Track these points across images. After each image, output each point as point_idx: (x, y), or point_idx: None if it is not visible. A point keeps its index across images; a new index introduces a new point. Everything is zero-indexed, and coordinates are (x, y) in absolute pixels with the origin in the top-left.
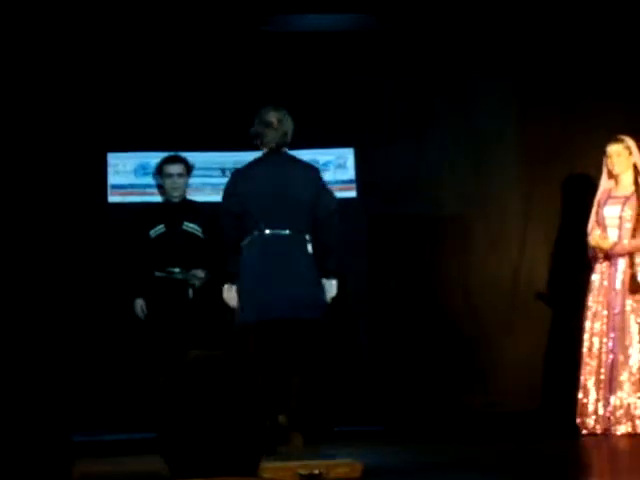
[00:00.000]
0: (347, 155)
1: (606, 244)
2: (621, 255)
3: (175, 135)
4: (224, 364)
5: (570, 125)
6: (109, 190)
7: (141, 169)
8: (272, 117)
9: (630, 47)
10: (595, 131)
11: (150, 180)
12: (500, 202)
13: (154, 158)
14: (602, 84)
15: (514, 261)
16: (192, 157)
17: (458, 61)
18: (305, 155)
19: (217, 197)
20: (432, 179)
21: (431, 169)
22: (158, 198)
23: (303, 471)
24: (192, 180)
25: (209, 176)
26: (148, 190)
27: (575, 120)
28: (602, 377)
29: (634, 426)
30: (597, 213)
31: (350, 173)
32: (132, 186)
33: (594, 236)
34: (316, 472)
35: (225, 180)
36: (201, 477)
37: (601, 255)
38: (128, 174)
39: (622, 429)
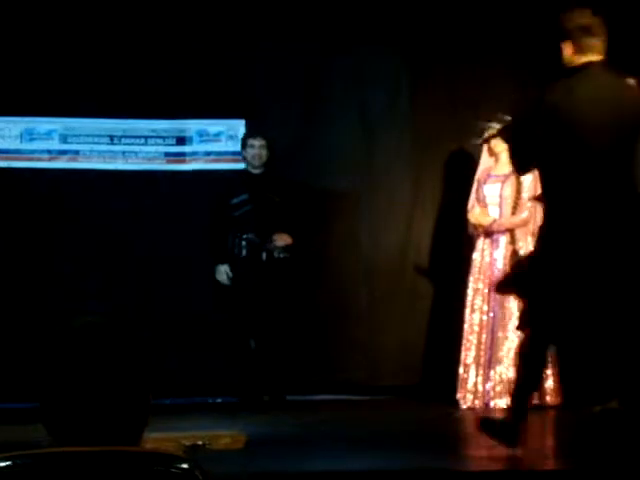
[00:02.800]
0: (238, 126)
1: (485, 221)
2: (501, 232)
3: (62, 101)
4: (106, 332)
5: (458, 101)
6: None
7: (27, 134)
8: None
9: (519, 25)
10: (483, 109)
11: (37, 146)
12: (389, 176)
13: (40, 123)
14: (490, 63)
15: (402, 235)
16: (79, 124)
17: (348, 32)
18: (196, 125)
19: (105, 165)
20: (323, 151)
21: (322, 140)
22: (45, 164)
23: (187, 442)
24: (80, 147)
25: (97, 143)
26: (35, 156)
27: (463, 97)
28: (482, 352)
29: None
30: (477, 191)
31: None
32: (18, 151)
33: (474, 213)
34: (199, 443)
35: (114, 147)
36: (83, 445)
37: (481, 231)
38: (13, 139)
39: (501, 403)
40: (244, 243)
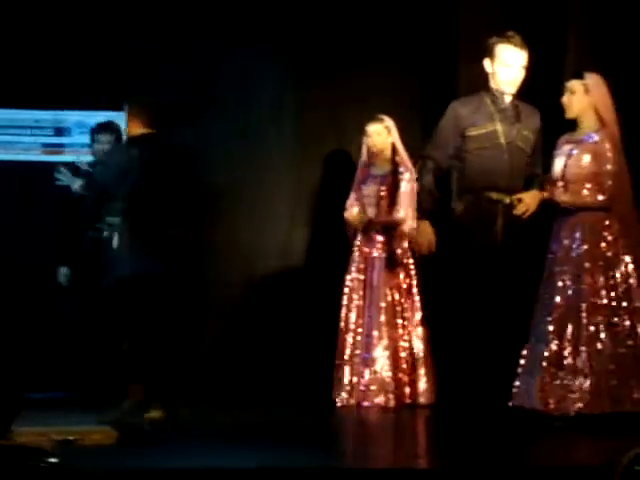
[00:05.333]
0: (118, 118)
1: (362, 220)
2: (378, 232)
3: None
4: None
5: (340, 102)
6: None
7: None
8: None
9: (399, 28)
10: (364, 109)
11: None
12: (271, 174)
13: None
14: (371, 65)
15: (283, 234)
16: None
17: (235, 32)
18: (75, 117)
19: (28, 156)
20: (206, 147)
21: (204, 137)
22: None
23: (58, 437)
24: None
25: (19, 134)
26: None
27: (345, 97)
28: (357, 351)
29: (386, 399)
30: (356, 190)
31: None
32: None
33: (351, 212)
34: (70, 438)
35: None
36: None
37: (358, 230)
38: None
39: (375, 402)
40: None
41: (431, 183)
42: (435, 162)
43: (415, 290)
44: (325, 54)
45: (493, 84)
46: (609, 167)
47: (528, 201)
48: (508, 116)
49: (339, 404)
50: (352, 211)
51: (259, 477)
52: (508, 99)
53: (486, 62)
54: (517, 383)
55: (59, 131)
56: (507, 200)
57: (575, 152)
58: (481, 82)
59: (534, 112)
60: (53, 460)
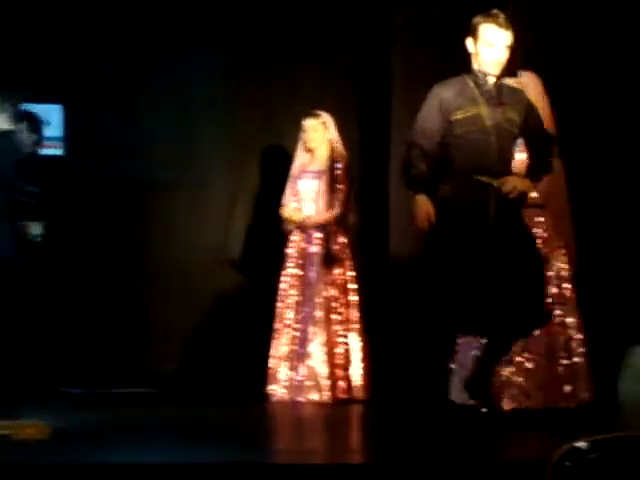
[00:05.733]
0: (54, 112)
1: (298, 217)
2: (315, 228)
3: None
4: None
5: (275, 98)
6: None
7: None
8: None
9: (330, 24)
10: (297, 106)
11: None
12: (208, 171)
13: None
14: (303, 62)
15: (219, 229)
16: None
17: (172, 28)
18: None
19: None
20: (143, 141)
21: (142, 131)
22: None
23: None
24: None
25: None
26: None
27: (279, 94)
28: (293, 347)
29: (321, 395)
30: (292, 186)
31: (57, 130)
32: None
33: (287, 209)
34: (5, 432)
35: None
36: None
37: (293, 227)
38: None
39: (310, 397)
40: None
41: (424, 172)
42: (423, 149)
43: (352, 286)
44: (260, 49)
45: (476, 65)
46: None
47: (514, 181)
48: (492, 97)
49: (274, 399)
50: (288, 207)
51: (190, 473)
52: (492, 80)
53: (469, 42)
54: (452, 379)
55: None
56: (495, 183)
57: None
58: (417, 75)
59: (519, 92)
60: None
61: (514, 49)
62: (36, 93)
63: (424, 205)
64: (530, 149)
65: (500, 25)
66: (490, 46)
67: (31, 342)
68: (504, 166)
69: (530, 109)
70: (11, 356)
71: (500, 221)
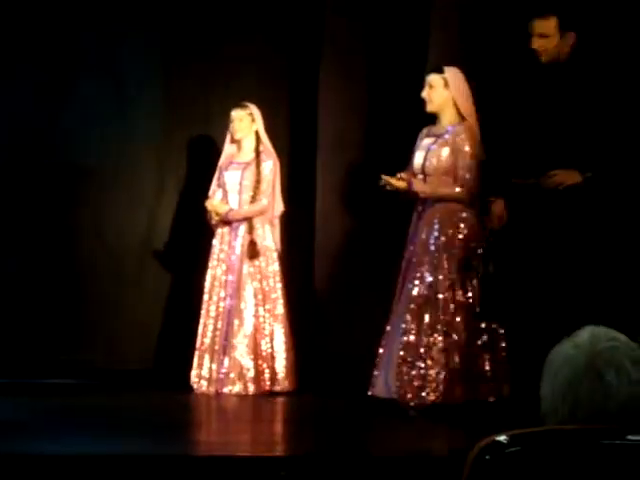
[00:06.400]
0: None
1: (222, 209)
2: (239, 221)
3: None
4: None
5: (207, 88)
6: None
7: None
8: None
9: (264, 16)
10: (230, 95)
11: None
12: (138, 157)
13: None
14: (237, 52)
15: (147, 218)
16: None
17: (105, 10)
18: None
19: None
20: (71, 128)
21: (74, 119)
22: None
23: None
24: None
25: None
26: None
27: (212, 84)
28: (217, 339)
29: (245, 387)
30: (219, 178)
31: None
32: None
33: (212, 201)
34: None
35: None
36: None
37: (218, 219)
38: None
39: (234, 389)
40: None
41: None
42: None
43: (278, 277)
44: (194, 37)
45: None
46: (467, 160)
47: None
48: None
49: (198, 391)
50: (214, 200)
51: (112, 463)
52: None
53: None
54: (375, 372)
55: None
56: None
57: (434, 146)
58: (349, 72)
59: None
60: None
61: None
62: None
63: (499, 207)
64: None
65: None
66: None
67: None
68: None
69: None
70: None
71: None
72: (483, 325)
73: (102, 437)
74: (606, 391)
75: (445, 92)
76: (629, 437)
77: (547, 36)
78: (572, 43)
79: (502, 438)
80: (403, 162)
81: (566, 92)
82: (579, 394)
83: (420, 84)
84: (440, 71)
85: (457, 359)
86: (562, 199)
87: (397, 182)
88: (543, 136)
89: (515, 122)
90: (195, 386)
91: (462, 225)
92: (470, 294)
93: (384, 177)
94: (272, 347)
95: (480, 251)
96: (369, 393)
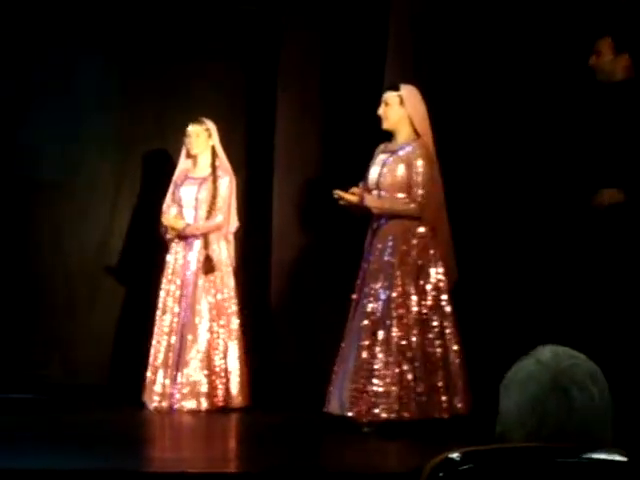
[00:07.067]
0: None
1: (179, 225)
2: (195, 236)
3: None
4: None
5: (165, 102)
6: None
7: None
8: None
9: (229, 27)
10: (189, 111)
11: None
12: (93, 171)
13: None
14: (197, 65)
15: (102, 233)
16: None
17: (60, 25)
18: None
19: None
20: (27, 143)
21: (31, 134)
22: None
23: None
24: None
25: None
26: None
27: (170, 98)
28: (170, 354)
29: (198, 403)
30: (174, 193)
31: None
32: None
33: (168, 216)
34: None
35: None
36: None
37: (173, 234)
38: None
39: (187, 405)
40: None
41: None
42: None
43: (233, 293)
44: (151, 53)
45: None
46: (421, 177)
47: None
48: None
49: (151, 407)
50: (169, 215)
51: (62, 479)
52: None
53: None
54: (330, 389)
55: None
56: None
57: (390, 162)
58: (306, 89)
59: None
60: None
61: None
62: None
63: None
64: None
65: None
66: None
67: None
68: None
69: None
70: None
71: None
72: (437, 342)
73: (56, 452)
74: (571, 406)
75: (401, 110)
76: (584, 456)
77: (601, 54)
78: (627, 64)
79: (455, 455)
80: (359, 178)
81: (618, 111)
82: (546, 408)
83: (377, 101)
84: (396, 89)
85: (411, 376)
86: (606, 217)
87: (350, 196)
88: (594, 153)
89: (570, 139)
90: (148, 402)
91: (415, 241)
92: (425, 310)
93: (337, 192)
94: (226, 363)
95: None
96: (324, 410)
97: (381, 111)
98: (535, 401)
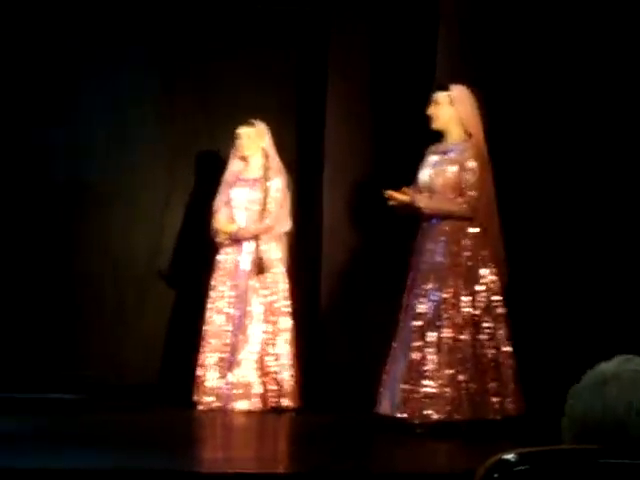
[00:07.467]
0: None
1: (229, 228)
2: (246, 238)
3: None
4: None
5: (213, 104)
6: None
7: None
8: None
9: (269, 29)
10: (237, 112)
11: None
12: (143, 173)
13: None
14: (244, 67)
15: (154, 234)
16: None
17: (106, 28)
18: None
19: None
20: (77, 145)
21: (75, 135)
22: None
23: None
24: None
25: None
26: None
27: (218, 100)
28: (222, 355)
29: (250, 403)
30: (224, 194)
31: None
32: None
33: (219, 219)
34: None
35: None
36: None
37: (224, 238)
38: None
39: (239, 406)
40: None
41: None
42: None
43: (285, 294)
44: (199, 54)
45: None
46: (473, 178)
47: None
48: None
49: (202, 407)
50: (220, 217)
51: (116, 479)
52: None
53: None
54: (381, 390)
55: None
56: None
57: (440, 163)
58: (357, 89)
59: None
60: None
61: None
62: None
63: None
64: None
65: None
66: None
67: None
68: None
69: None
70: None
71: None
72: (489, 343)
73: (107, 452)
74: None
75: (450, 109)
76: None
77: None
78: None
79: (510, 456)
80: (409, 178)
81: None
82: (615, 414)
83: (427, 100)
84: (446, 89)
85: (462, 377)
86: None
87: (401, 196)
88: None
89: (626, 137)
90: (200, 402)
91: (466, 242)
92: (476, 312)
93: (387, 191)
94: (278, 364)
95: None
96: (375, 410)
97: (431, 111)
98: (607, 408)
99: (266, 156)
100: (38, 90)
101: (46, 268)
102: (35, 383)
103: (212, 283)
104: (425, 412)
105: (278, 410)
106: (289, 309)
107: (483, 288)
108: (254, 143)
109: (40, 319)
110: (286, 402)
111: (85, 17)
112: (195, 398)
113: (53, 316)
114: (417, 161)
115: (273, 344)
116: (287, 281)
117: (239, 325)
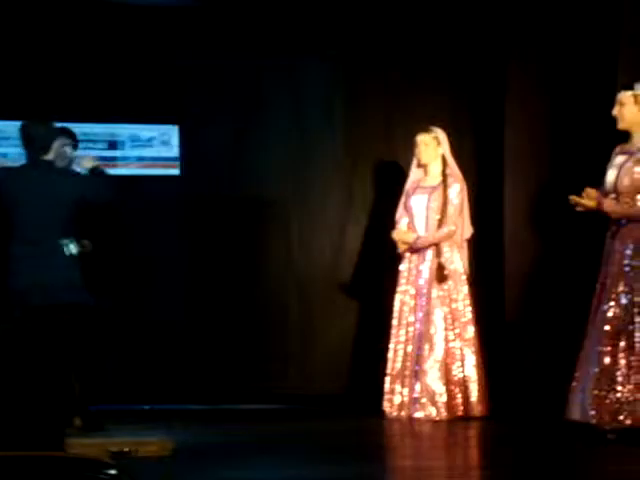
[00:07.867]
0: (171, 132)
1: (409, 238)
2: (426, 246)
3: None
4: (17, 339)
5: (392, 111)
6: None
7: None
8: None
9: (452, 36)
10: (415, 120)
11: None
12: (323, 185)
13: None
14: (424, 74)
15: (335, 246)
16: (9, 127)
17: (286, 41)
18: (128, 130)
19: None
20: (257, 160)
21: (256, 149)
22: None
23: (113, 448)
24: (9, 150)
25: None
26: None
27: (397, 107)
28: (408, 364)
29: (438, 412)
30: (405, 203)
31: (174, 150)
32: None
33: (398, 230)
34: (126, 449)
35: None
36: (7, 451)
37: (404, 248)
38: None
39: (427, 414)
40: None
41: None
42: None
43: (467, 301)
44: (376, 65)
45: None
46: None
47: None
48: None
49: (390, 416)
50: (399, 229)
51: None
52: None
53: None
54: (571, 396)
55: (112, 144)
56: None
57: (627, 163)
58: (537, 91)
59: None
60: (112, 472)
61: None
62: (152, 115)
63: None
64: None
65: None
66: None
67: (155, 361)
68: None
69: None
70: (131, 373)
71: None
72: None
73: (298, 462)
74: None
75: (635, 109)
76: None
77: None
78: None
79: None
80: (591, 182)
81: None
82: None
83: (608, 103)
84: (630, 88)
85: None
86: None
87: (586, 202)
88: None
89: None
90: (387, 411)
91: None
92: None
93: (573, 197)
94: (464, 372)
95: None
96: (564, 416)
97: (616, 111)
98: None
99: (444, 163)
100: (216, 105)
101: (236, 285)
102: (230, 395)
103: (395, 292)
104: (618, 417)
105: (465, 419)
106: (473, 316)
107: None
108: (432, 150)
109: (233, 335)
110: (474, 411)
111: (268, 25)
112: (383, 407)
113: (246, 331)
114: (599, 164)
115: (458, 352)
116: (470, 288)
117: (423, 334)
